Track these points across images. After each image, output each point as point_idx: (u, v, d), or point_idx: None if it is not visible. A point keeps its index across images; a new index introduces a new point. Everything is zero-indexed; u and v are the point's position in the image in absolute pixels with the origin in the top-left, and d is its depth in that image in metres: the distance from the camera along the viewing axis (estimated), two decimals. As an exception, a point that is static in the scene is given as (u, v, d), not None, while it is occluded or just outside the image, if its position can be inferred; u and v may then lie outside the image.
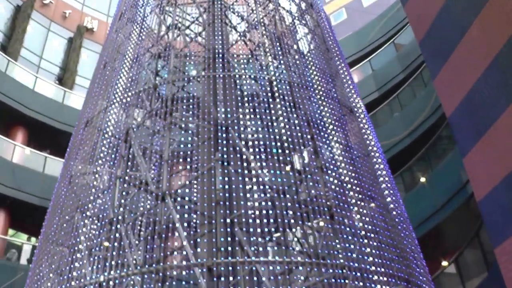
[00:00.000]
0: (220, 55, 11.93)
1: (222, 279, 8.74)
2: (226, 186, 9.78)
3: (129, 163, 10.83)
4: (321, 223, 9.98)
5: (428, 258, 18.40)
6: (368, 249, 9.68)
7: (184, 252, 9.47)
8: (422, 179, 20.07)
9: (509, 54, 12.33)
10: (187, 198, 10.94)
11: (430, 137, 20.23)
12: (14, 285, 18.43)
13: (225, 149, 10.17)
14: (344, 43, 27.12)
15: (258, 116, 11.45)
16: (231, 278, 8.83)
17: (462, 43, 14.17)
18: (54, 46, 30.27)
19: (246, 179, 10.30)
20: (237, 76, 12.20)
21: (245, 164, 10.24)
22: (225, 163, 10.03)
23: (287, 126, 10.89)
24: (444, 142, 19.49)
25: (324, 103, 11.56)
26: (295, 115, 10.95)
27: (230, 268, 8.87)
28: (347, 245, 9.50)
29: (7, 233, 23.12)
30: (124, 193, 10.48)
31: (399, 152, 22.05)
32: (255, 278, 9.28)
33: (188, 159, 11.22)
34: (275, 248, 11.40)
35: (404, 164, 21.44)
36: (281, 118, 11.14)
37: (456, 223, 17.72)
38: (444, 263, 18.41)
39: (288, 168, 10.74)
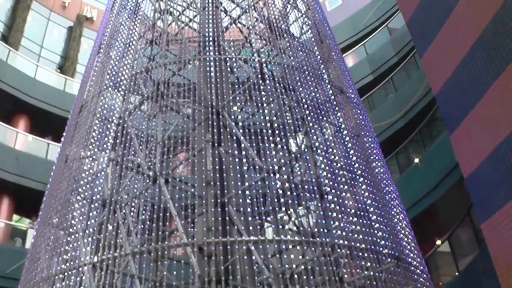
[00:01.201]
0: (212, 40, 12.03)
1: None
2: (217, 167, 9.90)
3: (122, 146, 10.95)
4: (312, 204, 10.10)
5: (423, 238, 18.63)
6: (358, 227, 9.82)
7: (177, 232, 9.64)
8: (416, 160, 20.19)
9: (495, 32, 12.44)
10: (179, 180, 11.06)
11: (424, 119, 20.36)
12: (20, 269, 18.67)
13: (216, 131, 10.30)
14: (339, 28, 27.39)
15: (249, 98, 11.59)
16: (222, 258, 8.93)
17: (448, 21, 14.28)
18: (54, 35, 30.56)
19: (238, 159, 10.44)
20: (227, 59, 12.29)
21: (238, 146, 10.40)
22: (216, 144, 10.15)
23: (277, 107, 11.02)
24: (438, 123, 19.60)
25: (315, 85, 11.65)
26: (285, 97, 11.04)
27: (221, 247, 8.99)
28: (337, 223, 9.63)
29: (12, 219, 23.46)
30: (117, 175, 10.59)
31: (394, 134, 22.29)
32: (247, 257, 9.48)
33: (181, 142, 11.34)
34: (268, 227, 11.55)
35: (399, 145, 21.62)
36: (272, 100, 11.28)
37: (449, 202, 17.87)
38: (438, 242, 18.58)
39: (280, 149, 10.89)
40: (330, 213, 9.60)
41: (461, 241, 17.52)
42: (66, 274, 9.40)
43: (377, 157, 12.05)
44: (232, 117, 11.72)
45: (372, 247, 9.54)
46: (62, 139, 12.86)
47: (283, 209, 10.46)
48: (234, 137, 10.84)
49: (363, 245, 9.45)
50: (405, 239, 10.80)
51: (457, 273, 16.87)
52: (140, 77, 11.93)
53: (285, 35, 13.17)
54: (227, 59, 12.31)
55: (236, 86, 12.33)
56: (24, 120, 25.60)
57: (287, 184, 10.08)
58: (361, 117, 12.53)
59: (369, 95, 24.56)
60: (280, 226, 10.31)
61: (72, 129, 12.39)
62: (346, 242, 9.38)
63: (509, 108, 11.83)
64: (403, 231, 10.88)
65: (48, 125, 25.41)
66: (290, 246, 9.92)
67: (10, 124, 24.56)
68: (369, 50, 26.61)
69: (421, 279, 10.37)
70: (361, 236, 9.64)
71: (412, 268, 10.23)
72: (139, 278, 9.42)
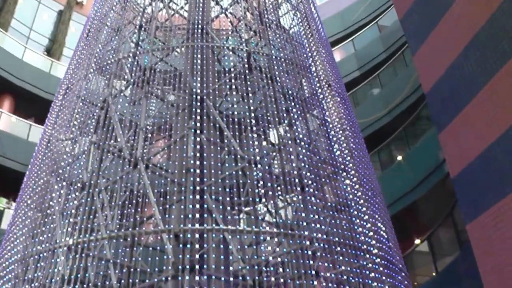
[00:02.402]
0: (200, 27, 11.91)
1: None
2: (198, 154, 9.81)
3: (105, 129, 10.83)
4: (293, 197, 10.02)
5: (402, 236, 18.60)
6: (337, 222, 9.75)
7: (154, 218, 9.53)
8: (399, 157, 20.17)
9: (490, 32, 12.35)
10: (159, 166, 10.95)
11: (409, 117, 20.32)
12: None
13: (200, 118, 10.19)
14: (329, 23, 27.25)
15: (234, 87, 11.51)
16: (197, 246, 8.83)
17: (443, 19, 14.16)
18: (44, 18, 30.44)
19: (219, 148, 10.35)
20: (215, 47, 12.18)
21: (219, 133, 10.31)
22: (198, 131, 10.04)
23: (263, 99, 10.95)
24: (423, 122, 19.58)
25: (302, 77, 11.58)
26: (271, 88, 10.96)
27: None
28: (316, 217, 9.56)
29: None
30: (98, 158, 10.46)
31: (378, 130, 22.21)
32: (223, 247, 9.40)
33: (163, 128, 11.24)
34: (245, 218, 11.46)
35: (382, 142, 21.58)
36: (257, 90, 11.20)
37: (431, 201, 17.86)
38: (417, 241, 18.57)
39: (262, 140, 10.82)
40: (309, 206, 9.52)
41: (441, 242, 17.50)
42: (41, 255, 9.27)
43: (361, 153, 11.99)
44: (216, 105, 11.62)
45: (350, 242, 9.49)
46: (46, 120, 12.72)
47: (263, 200, 10.37)
48: (217, 126, 10.74)
49: (341, 240, 9.38)
50: (385, 235, 10.75)
51: (434, 274, 16.87)
52: (126, 62, 11.80)
53: (274, 26, 13.10)
54: (215, 47, 12.20)
55: (222, 75, 12.24)
56: (9, 101, 25.43)
57: (267, 175, 10.03)
58: (347, 112, 12.47)
59: (355, 91, 24.49)
60: (257, 218, 10.23)
61: (56, 111, 12.26)
62: (324, 236, 9.31)
63: (500, 110, 11.78)
64: (383, 228, 10.82)
65: (32, 106, 25.29)
66: (269, 238, 9.86)
67: (-5, 104, 24.38)
68: (358, 46, 26.53)
69: (399, 277, 10.34)
70: (340, 231, 9.58)
71: (392, 266, 10.18)
72: (114, 263, 9.33)
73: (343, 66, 25.64)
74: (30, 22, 29.66)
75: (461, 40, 13.29)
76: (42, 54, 28.26)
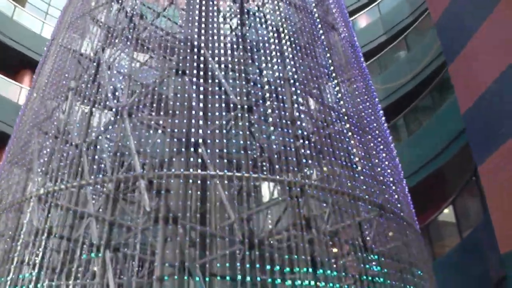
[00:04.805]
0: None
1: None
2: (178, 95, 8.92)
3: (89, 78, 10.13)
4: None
5: (429, 204, 17.56)
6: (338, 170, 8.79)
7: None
8: (425, 122, 19.04)
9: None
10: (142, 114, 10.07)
11: (435, 81, 19.12)
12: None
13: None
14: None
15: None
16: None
17: None
18: (62, -6, 29.76)
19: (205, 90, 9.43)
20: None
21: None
22: (180, 72, 9.13)
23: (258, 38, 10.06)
24: (449, 85, 18.33)
25: (301, 17, 10.57)
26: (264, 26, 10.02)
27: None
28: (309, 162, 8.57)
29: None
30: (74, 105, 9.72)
31: (405, 95, 21.12)
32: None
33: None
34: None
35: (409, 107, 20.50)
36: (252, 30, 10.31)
37: (456, 166, 16.65)
38: (446, 211, 17.38)
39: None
40: (303, 151, 8.53)
41: (467, 211, 16.25)
42: (13, 206, 8.87)
43: (368, 103, 10.93)
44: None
45: (349, 191, 8.51)
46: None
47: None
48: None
49: (339, 188, 8.40)
50: (393, 187, 9.70)
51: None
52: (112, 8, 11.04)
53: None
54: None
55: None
56: (29, 76, 24.85)
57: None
58: (353, 59, 11.40)
59: (381, 56, 23.35)
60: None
61: (41, 63, 11.66)
62: (318, 183, 8.35)
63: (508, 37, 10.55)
64: (391, 179, 9.78)
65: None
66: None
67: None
68: (383, 10, 25.31)
69: (408, 231, 9.30)
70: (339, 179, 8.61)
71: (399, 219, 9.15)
72: (95, 216, 8.53)
73: (369, 31, 24.77)
74: (48, -2, 29.12)
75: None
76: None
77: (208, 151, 8.64)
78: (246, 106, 8.93)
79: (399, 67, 22.43)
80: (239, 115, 8.90)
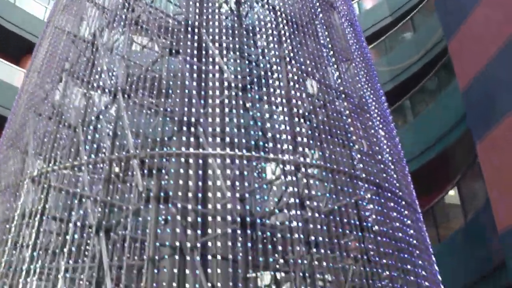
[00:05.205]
0: None
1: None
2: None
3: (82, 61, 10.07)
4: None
5: (435, 187, 17.38)
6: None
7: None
8: (431, 104, 18.80)
9: None
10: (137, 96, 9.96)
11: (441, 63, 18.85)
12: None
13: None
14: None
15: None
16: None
17: None
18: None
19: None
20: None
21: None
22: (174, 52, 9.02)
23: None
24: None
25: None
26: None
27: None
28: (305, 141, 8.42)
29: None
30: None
31: (411, 77, 20.82)
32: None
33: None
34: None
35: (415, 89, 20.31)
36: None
37: (461, 148, 16.46)
38: (451, 192, 17.21)
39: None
40: (298, 128, 8.39)
41: (473, 193, 16.05)
42: (8, 188, 8.85)
43: (368, 83, 10.74)
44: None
45: (346, 169, 8.38)
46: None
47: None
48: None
49: (335, 167, 8.27)
50: (392, 166, 9.55)
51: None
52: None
53: None
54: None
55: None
56: (33, 62, 24.86)
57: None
58: (354, 39, 11.20)
59: (387, 37, 23.06)
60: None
61: (38, 44, 11.58)
62: (313, 162, 8.23)
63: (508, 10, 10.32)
64: (390, 158, 9.63)
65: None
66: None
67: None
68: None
69: (405, 211, 9.16)
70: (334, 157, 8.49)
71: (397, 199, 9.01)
72: (88, 197, 8.45)
73: (374, 13, 24.44)
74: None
75: None
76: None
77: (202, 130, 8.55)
78: (241, 85, 8.84)
79: (405, 48, 22.12)
80: (234, 94, 8.81)
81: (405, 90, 20.40)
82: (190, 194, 8.11)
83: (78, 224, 8.10)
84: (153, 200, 7.61)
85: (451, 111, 16.92)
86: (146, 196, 7.62)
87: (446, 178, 16.97)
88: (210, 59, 9.30)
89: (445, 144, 17.12)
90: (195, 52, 9.32)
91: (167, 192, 7.71)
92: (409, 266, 8.38)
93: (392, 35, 23.12)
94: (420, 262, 8.75)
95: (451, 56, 12.66)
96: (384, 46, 22.99)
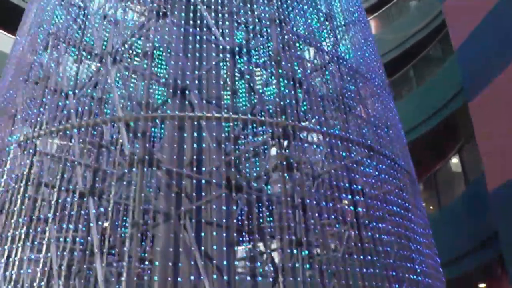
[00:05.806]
0: None
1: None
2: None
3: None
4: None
5: (439, 155, 17.22)
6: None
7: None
8: (436, 71, 18.53)
9: None
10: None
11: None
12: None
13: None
14: None
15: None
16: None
17: None
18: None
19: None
20: None
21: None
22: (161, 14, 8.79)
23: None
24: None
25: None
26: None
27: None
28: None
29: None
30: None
31: (416, 45, 20.57)
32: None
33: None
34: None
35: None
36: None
37: (464, 116, 16.23)
38: (455, 160, 17.02)
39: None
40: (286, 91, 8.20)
41: (473, 161, 15.87)
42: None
43: (366, 47, 10.51)
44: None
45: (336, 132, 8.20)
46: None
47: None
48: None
49: (324, 130, 8.08)
50: (385, 129, 9.36)
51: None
52: None
53: None
54: None
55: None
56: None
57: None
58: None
59: (391, 5, 22.75)
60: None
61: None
62: (301, 124, 8.04)
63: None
64: (383, 121, 9.45)
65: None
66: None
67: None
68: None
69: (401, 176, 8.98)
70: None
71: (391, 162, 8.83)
72: (79, 163, 8.35)
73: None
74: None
75: None
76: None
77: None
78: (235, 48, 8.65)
79: (410, 16, 21.85)
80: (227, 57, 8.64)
81: (410, 58, 20.25)
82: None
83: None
84: (138, 163, 7.45)
85: (454, 79, 16.66)
86: (131, 160, 7.46)
87: (450, 146, 16.86)
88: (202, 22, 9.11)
89: (448, 112, 16.91)
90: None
91: (152, 155, 7.56)
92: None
93: (398, 2, 22.80)
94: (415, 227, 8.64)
95: (445, 15, 12.38)
96: (389, 14, 22.66)
